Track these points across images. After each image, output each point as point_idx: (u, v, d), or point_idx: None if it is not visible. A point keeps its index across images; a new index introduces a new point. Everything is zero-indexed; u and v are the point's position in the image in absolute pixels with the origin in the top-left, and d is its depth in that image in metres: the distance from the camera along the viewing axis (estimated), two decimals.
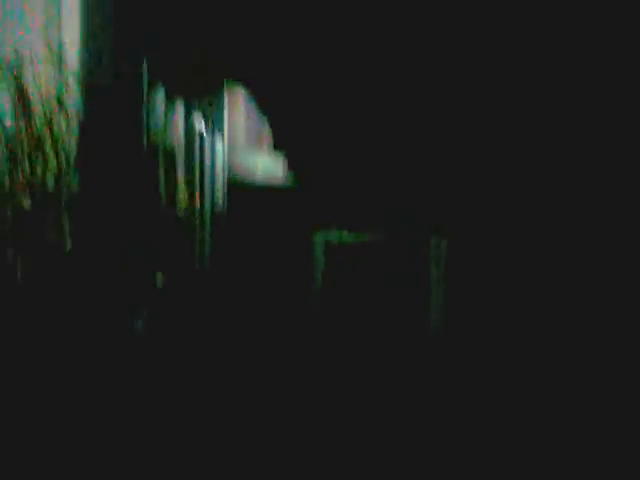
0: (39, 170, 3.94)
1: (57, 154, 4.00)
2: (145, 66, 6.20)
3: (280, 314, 8.50)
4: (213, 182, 10.02)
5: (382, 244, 8.76)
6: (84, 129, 4.16)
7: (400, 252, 8.81)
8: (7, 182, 3.76)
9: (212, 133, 9.68)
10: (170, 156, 5.40)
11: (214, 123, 9.56)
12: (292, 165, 13.37)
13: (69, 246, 3.79)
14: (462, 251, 9.39)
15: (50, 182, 3.94)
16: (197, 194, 8.60)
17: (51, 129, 3.95)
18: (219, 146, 10.75)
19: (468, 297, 8.82)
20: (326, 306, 8.06)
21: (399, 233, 8.82)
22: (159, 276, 3.84)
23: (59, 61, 4.38)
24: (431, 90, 10.68)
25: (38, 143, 3.95)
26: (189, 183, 7.91)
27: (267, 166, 12.69)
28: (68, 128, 4.03)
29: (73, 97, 4.25)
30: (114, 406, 3.80)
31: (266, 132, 14.66)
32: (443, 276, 8.55)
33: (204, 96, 9.05)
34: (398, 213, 10.29)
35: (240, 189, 11.39)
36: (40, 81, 4.22)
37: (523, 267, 9.61)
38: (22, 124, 3.95)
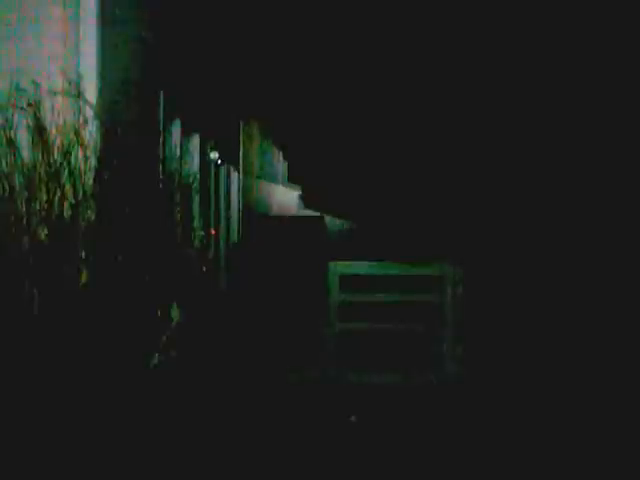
0: (56, 200, 3.94)
1: (74, 185, 4.00)
2: (162, 99, 6.23)
3: (295, 344, 8.42)
4: (228, 212, 10.02)
5: (398, 276, 8.71)
6: (101, 160, 4.16)
7: (415, 281, 8.75)
8: (24, 212, 3.76)
9: (227, 163, 9.70)
10: (186, 186, 5.41)
11: (229, 154, 9.58)
12: (308, 195, 13.29)
13: (85, 277, 3.77)
14: (477, 280, 9.34)
15: (67, 212, 3.94)
16: (213, 223, 8.61)
17: (68, 160, 3.95)
18: (234, 176, 10.76)
19: (482, 321, 8.75)
20: (340, 335, 8.00)
21: (415, 264, 8.78)
22: (175, 309, 3.82)
23: (77, 93, 4.39)
24: (441, 128, 10.64)
25: (55, 173, 3.96)
26: (204, 213, 7.91)
27: (282, 196, 12.67)
28: (85, 159, 4.03)
29: (90, 128, 4.26)
30: (125, 438, 3.76)
31: (282, 163, 14.64)
32: (459, 301, 8.48)
33: (220, 128, 9.09)
34: (415, 244, 10.23)
35: (255, 218, 11.39)
36: (58, 112, 4.24)
37: (533, 294, 9.52)
38: (39, 155, 3.96)
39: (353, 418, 6.24)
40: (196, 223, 5.97)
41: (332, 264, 8.64)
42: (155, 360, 3.76)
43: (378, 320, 8.19)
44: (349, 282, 8.47)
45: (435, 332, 8.15)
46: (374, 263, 8.80)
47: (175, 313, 3.88)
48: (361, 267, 8.77)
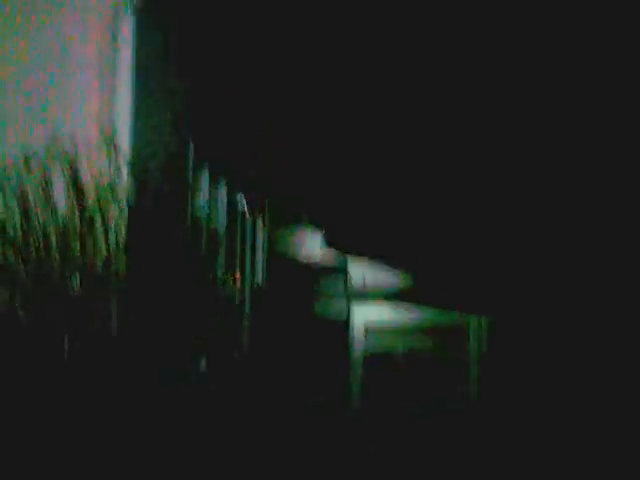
0: (89, 251, 4.00)
1: (107, 236, 4.06)
2: (191, 148, 6.32)
3: (318, 391, 8.38)
4: (253, 257, 10.08)
5: (424, 325, 8.69)
6: (133, 212, 4.23)
7: (440, 330, 8.72)
8: (59, 264, 3.82)
9: (253, 212, 9.78)
10: (214, 235, 5.48)
11: (255, 202, 9.65)
12: (330, 235, 13.25)
13: (115, 329, 3.82)
14: (501, 330, 9.26)
15: (99, 263, 4.00)
16: (238, 269, 8.65)
17: (102, 212, 4.03)
18: (260, 222, 10.83)
19: (503, 370, 8.66)
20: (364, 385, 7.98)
21: (441, 312, 8.77)
22: (202, 360, 3.86)
23: (112, 145, 4.48)
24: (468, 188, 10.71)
25: (89, 225, 4.03)
26: (231, 261, 7.96)
27: (309, 241, 12.67)
28: (119, 210, 4.11)
29: (124, 180, 4.34)
30: None
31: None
32: (481, 351, 8.44)
33: (248, 177, 9.19)
34: (442, 292, 10.17)
35: (280, 265, 11.40)
36: (93, 164, 4.33)
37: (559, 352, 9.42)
38: (75, 206, 4.03)
39: None
40: (222, 272, 6.03)
41: (355, 308, 8.64)
42: (183, 412, 3.78)
43: (401, 366, 8.17)
44: (372, 326, 8.46)
45: (455, 383, 8.11)
46: (396, 309, 8.79)
47: (203, 364, 3.92)
48: (383, 312, 8.78)
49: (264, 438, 6.43)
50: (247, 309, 8.37)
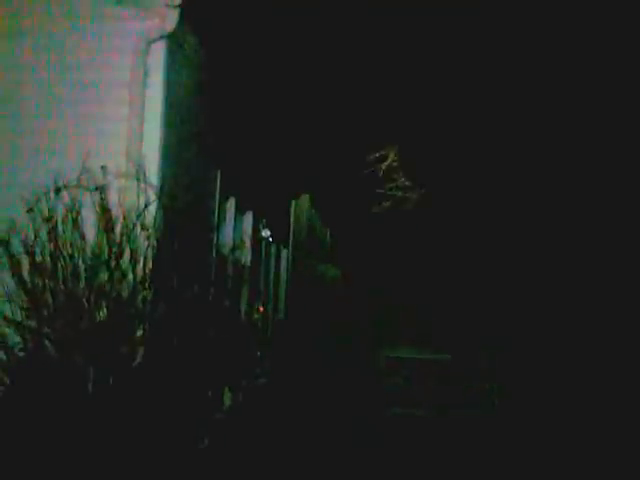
0: (115, 279, 4.03)
1: (134, 264, 4.09)
2: (218, 181, 6.36)
3: (342, 425, 8.32)
4: (277, 289, 10.09)
5: (440, 360, 8.76)
6: (161, 241, 4.26)
7: (456, 367, 8.77)
8: (85, 291, 3.86)
9: (277, 242, 9.81)
10: (238, 266, 5.50)
11: (280, 231, 9.70)
12: (348, 275, 13.23)
13: (140, 357, 3.83)
14: (512, 368, 9.26)
15: (125, 292, 4.02)
16: (261, 301, 8.67)
17: (130, 241, 4.06)
18: (284, 253, 10.85)
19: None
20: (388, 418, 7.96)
21: (457, 351, 8.85)
22: (226, 392, 3.86)
23: (140, 175, 4.52)
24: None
25: (117, 252, 4.06)
26: (254, 292, 7.96)
27: (330, 273, 12.66)
28: (148, 238, 4.14)
29: (152, 209, 4.37)
30: None
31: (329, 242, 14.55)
32: (494, 389, 8.49)
33: (272, 207, 9.23)
34: (457, 333, 10.19)
35: (303, 296, 11.39)
36: (122, 194, 4.37)
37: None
38: (103, 235, 4.07)
39: None
40: (246, 304, 6.03)
41: (376, 347, 8.66)
42: (205, 443, 3.78)
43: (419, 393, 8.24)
44: (393, 364, 8.47)
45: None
46: (415, 349, 8.95)
47: (227, 397, 3.91)
48: (403, 351, 8.88)
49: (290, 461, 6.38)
50: (270, 339, 8.37)
